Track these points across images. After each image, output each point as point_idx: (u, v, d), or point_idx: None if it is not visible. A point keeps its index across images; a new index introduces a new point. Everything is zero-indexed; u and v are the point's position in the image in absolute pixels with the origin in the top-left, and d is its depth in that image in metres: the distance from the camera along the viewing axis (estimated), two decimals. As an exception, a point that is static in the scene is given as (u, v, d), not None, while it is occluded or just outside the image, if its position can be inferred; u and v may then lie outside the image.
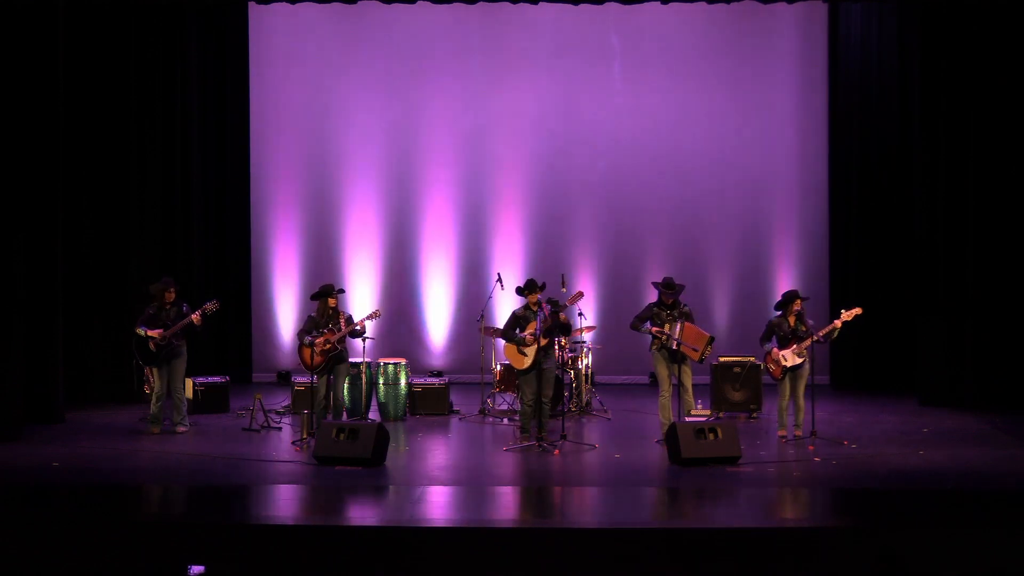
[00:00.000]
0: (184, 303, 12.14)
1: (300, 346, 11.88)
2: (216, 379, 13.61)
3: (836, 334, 11.62)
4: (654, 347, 11.56)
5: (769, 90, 15.85)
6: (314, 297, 12.14)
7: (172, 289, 12.08)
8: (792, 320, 11.63)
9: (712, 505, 9.49)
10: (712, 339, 11.35)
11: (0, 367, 11.91)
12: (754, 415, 13.05)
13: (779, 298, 11.90)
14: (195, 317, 11.89)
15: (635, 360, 15.40)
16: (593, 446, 11.50)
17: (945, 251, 13.65)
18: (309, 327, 11.89)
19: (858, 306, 11.67)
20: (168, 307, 12.04)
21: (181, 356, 12.10)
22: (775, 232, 15.90)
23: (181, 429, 12.11)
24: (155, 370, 12.08)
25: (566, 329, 11.60)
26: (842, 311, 11.57)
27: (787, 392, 11.71)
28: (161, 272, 13.52)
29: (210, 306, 12.02)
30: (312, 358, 11.76)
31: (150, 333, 11.92)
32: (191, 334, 12.16)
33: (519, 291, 11.62)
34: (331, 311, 11.88)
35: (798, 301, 11.63)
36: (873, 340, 14.99)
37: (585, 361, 13.44)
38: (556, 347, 11.59)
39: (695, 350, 11.28)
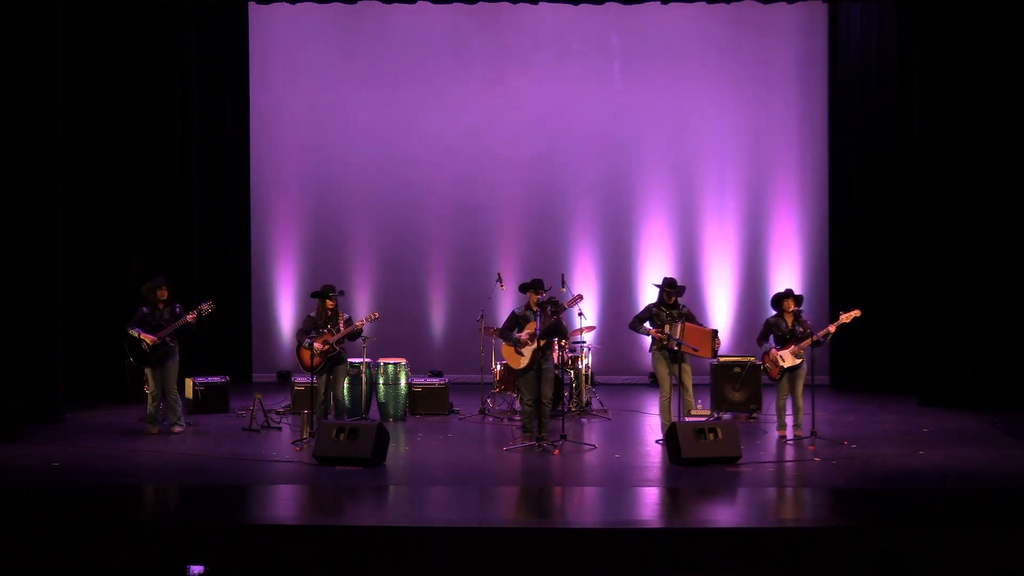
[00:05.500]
0: (177, 303, 12.12)
1: (298, 346, 11.91)
2: (216, 379, 13.61)
3: (829, 338, 11.61)
4: (654, 347, 11.57)
5: (769, 90, 15.85)
6: (314, 295, 12.17)
7: (164, 288, 12.05)
8: (790, 320, 11.63)
9: (712, 505, 9.49)
10: (715, 332, 11.40)
11: (0, 367, 11.91)
12: (754, 415, 13.05)
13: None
14: (190, 318, 11.89)
15: (635, 360, 15.41)
16: (593, 446, 11.50)
17: (945, 251, 13.65)
18: (308, 327, 11.92)
19: (857, 308, 11.65)
20: (161, 307, 12.02)
21: (174, 357, 12.08)
22: (775, 232, 15.90)
23: (177, 429, 12.11)
24: (149, 371, 12.06)
25: (562, 332, 11.61)
26: (841, 313, 11.57)
27: (785, 392, 11.71)
28: (161, 272, 13.51)
29: (206, 307, 12.01)
30: (311, 359, 11.79)
31: (144, 336, 11.89)
32: (186, 335, 12.15)
33: (523, 288, 11.64)
34: (330, 312, 11.91)
35: (789, 301, 11.62)
36: (873, 340, 14.98)
37: (585, 361, 13.44)
38: (556, 348, 11.59)
39: (695, 350, 11.30)
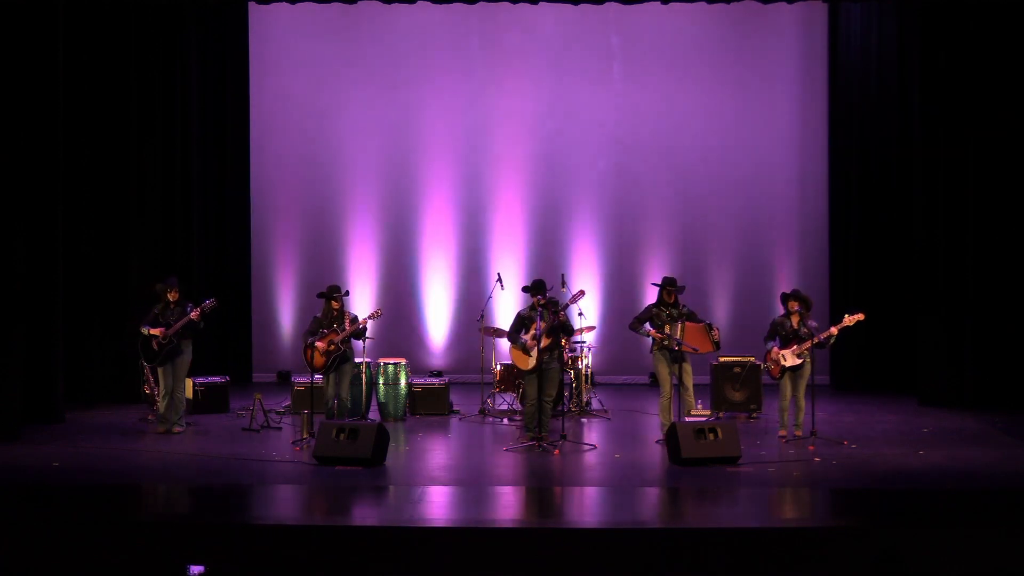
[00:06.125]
0: (189, 303, 12.17)
1: (304, 347, 11.97)
2: (216, 379, 13.61)
3: (833, 340, 11.57)
4: (655, 348, 11.56)
5: (769, 90, 15.84)
6: (320, 296, 12.21)
7: (175, 289, 12.11)
8: (795, 320, 11.61)
9: (712, 505, 9.49)
10: (710, 325, 11.41)
11: (0, 367, 11.91)
12: (754, 415, 13.05)
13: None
14: (194, 315, 11.92)
15: (635, 360, 15.40)
16: (593, 446, 11.50)
17: (945, 251, 13.65)
18: (314, 328, 11.99)
19: (861, 311, 11.57)
20: (172, 307, 12.08)
21: (183, 356, 12.12)
22: (775, 232, 15.90)
23: (177, 430, 12.11)
24: (159, 369, 12.10)
25: (568, 329, 11.60)
26: (845, 316, 11.52)
27: (787, 392, 11.70)
28: (161, 272, 13.53)
29: (209, 304, 12.06)
30: (316, 358, 11.84)
31: (152, 331, 11.95)
32: (195, 333, 12.17)
33: (525, 289, 11.65)
34: (335, 312, 11.97)
35: (793, 302, 11.60)
36: (874, 340, 14.95)
37: (585, 361, 13.44)
38: (565, 346, 11.61)
39: (695, 350, 11.30)
